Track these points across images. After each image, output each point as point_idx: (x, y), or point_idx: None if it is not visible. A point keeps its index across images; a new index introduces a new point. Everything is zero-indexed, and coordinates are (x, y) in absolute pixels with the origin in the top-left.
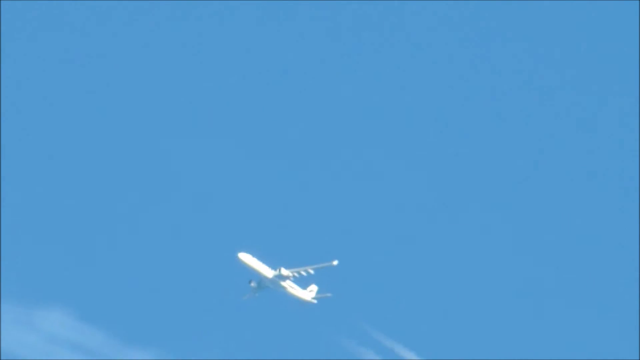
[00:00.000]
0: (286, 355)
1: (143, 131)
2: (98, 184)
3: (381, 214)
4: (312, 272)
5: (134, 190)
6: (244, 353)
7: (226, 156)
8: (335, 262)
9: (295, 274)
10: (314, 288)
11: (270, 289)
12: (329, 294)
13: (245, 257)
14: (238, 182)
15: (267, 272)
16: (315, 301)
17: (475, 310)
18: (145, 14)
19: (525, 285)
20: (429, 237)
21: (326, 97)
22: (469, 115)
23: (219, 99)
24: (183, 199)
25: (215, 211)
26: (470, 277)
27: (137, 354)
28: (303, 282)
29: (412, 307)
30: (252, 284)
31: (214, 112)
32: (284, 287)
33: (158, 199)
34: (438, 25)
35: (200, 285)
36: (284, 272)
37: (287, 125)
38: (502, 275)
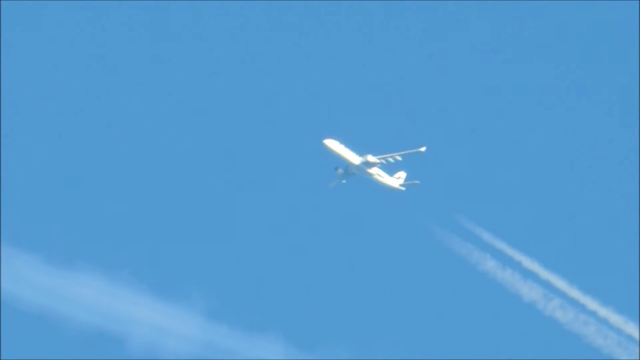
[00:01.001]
0: (374, 242)
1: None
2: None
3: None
4: (399, 158)
5: None
6: (332, 239)
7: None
8: (423, 149)
9: (383, 161)
10: (402, 175)
11: (357, 175)
12: (417, 181)
13: (331, 144)
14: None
15: (354, 158)
16: (403, 188)
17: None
18: (145, 14)
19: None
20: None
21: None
22: (468, 115)
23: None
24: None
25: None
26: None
27: None
28: (391, 169)
29: (503, 197)
30: (339, 171)
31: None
32: (370, 174)
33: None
34: (438, 25)
35: (287, 172)
36: (371, 158)
37: None
38: None
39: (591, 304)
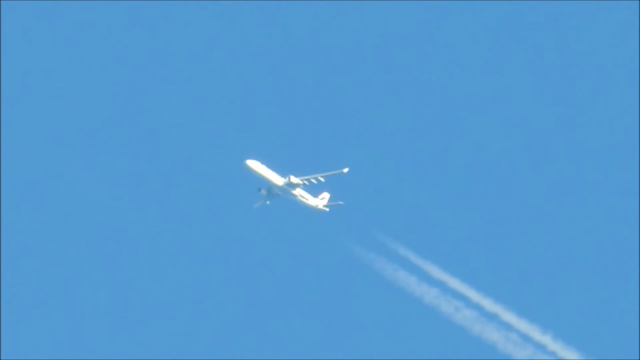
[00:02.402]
0: (299, 263)
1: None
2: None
3: (391, 122)
4: (322, 179)
5: None
6: (257, 260)
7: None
8: (345, 170)
9: (306, 182)
10: (325, 196)
11: (280, 196)
12: (340, 202)
13: (254, 164)
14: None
15: (277, 179)
16: (327, 209)
17: (487, 219)
18: (146, 14)
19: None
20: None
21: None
22: (467, 115)
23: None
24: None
25: (223, 118)
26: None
27: None
28: (314, 190)
29: (425, 215)
30: (262, 192)
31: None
32: (294, 195)
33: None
34: (438, 25)
35: (209, 192)
36: (294, 179)
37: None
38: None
39: (508, 316)
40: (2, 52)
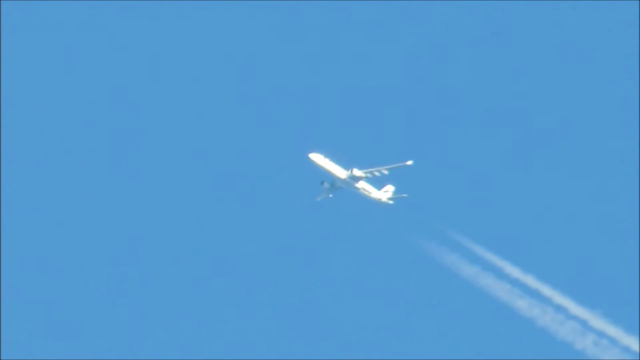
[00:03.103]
0: (363, 256)
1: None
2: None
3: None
4: (386, 172)
5: None
6: (321, 254)
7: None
8: (409, 162)
9: (369, 175)
10: (389, 188)
11: (343, 189)
12: (405, 195)
13: (317, 158)
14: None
15: (340, 172)
16: (391, 202)
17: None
18: (146, 14)
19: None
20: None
21: None
22: (467, 115)
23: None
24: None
25: (287, 112)
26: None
27: None
28: (378, 183)
29: (490, 208)
30: (325, 185)
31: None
32: (357, 188)
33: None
34: (438, 25)
35: (274, 186)
36: (357, 172)
37: None
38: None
39: (586, 314)
40: (2, 52)
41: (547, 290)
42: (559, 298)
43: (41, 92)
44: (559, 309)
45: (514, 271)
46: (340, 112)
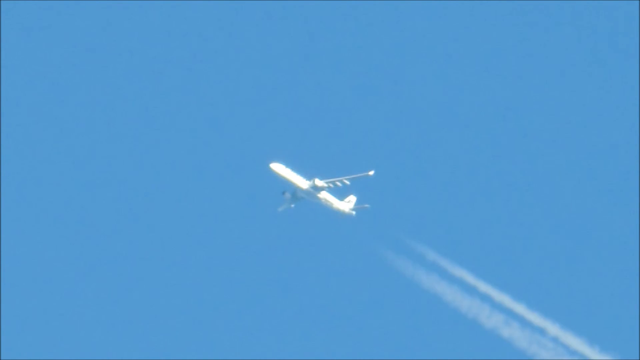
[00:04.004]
0: (325, 267)
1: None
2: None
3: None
4: (347, 182)
5: None
6: (282, 265)
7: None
8: (371, 172)
9: (331, 185)
10: (352, 199)
11: (305, 200)
12: (367, 205)
13: (278, 167)
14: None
15: (301, 182)
16: (353, 212)
17: (514, 222)
18: (146, 14)
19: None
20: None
21: None
22: (466, 115)
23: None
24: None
25: (247, 121)
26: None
27: None
28: (341, 193)
29: (451, 216)
30: (287, 195)
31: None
32: (319, 199)
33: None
34: (438, 25)
35: (233, 196)
36: (318, 182)
37: None
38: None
39: (538, 320)
40: (2, 52)
41: (509, 302)
42: (521, 308)
43: (41, 92)
44: (516, 316)
45: (477, 282)
46: (301, 122)
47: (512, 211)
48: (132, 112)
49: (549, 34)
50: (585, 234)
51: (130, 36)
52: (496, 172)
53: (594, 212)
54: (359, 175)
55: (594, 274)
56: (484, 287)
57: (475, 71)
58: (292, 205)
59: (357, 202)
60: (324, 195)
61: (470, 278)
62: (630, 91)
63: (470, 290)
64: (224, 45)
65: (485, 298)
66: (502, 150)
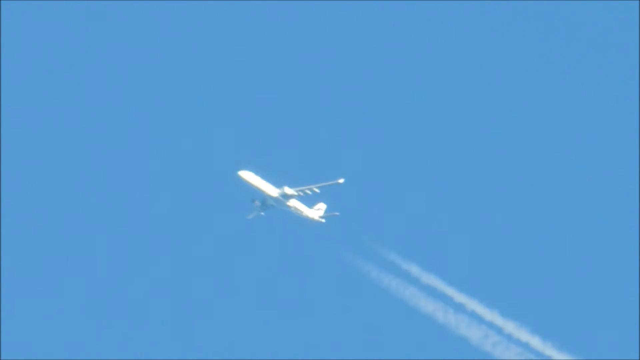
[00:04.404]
0: (294, 275)
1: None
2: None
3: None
4: (317, 190)
5: None
6: (252, 272)
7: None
8: (341, 180)
9: (300, 193)
10: (322, 207)
11: (275, 207)
12: (337, 213)
13: (247, 175)
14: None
15: (271, 190)
16: (323, 220)
17: (480, 234)
18: (145, 14)
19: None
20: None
21: None
22: (467, 115)
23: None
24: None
25: (215, 128)
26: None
27: None
28: (310, 202)
29: (422, 224)
30: (256, 203)
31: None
32: (289, 206)
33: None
34: (438, 25)
35: (202, 204)
36: (288, 190)
37: None
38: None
39: (496, 319)
40: (2, 52)
41: (482, 310)
42: (494, 316)
43: (41, 92)
44: (492, 325)
45: (446, 288)
46: (272, 129)
47: (483, 216)
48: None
49: (549, 34)
50: (572, 235)
51: (130, 36)
52: (468, 176)
53: (594, 212)
54: (328, 183)
55: (573, 273)
56: (453, 294)
57: (469, 72)
58: (262, 213)
59: (327, 210)
60: (294, 203)
61: (440, 284)
62: (630, 91)
63: (441, 297)
64: (192, 50)
65: (454, 304)
66: (476, 153)
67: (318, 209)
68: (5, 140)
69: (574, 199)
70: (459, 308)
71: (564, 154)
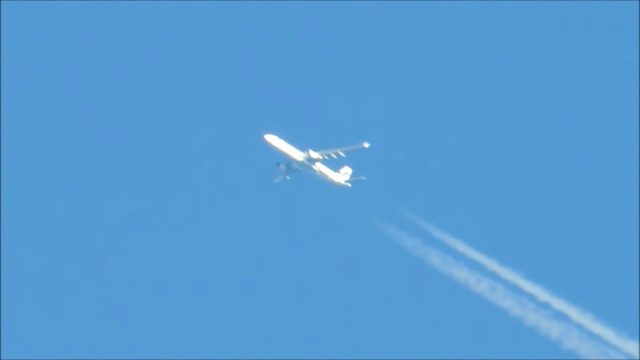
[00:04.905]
0: (321, 239)
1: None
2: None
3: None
4: (342, 154)
5: None
6: (278, 237)
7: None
8: (366, 144)
9: (325, 156)
10: (348, 171)
11: (300, 172)
12: (363, 178)
13: (272, 139)
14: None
15: (296, 154)
16: (349, 184)
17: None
18: (145, 14)
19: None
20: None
21: None
22: (466, 115)
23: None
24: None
25: (241, 93)
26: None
27: None
28: (336, 165)
29: (448, 190)
30: (281, 167)
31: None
32: (314, 170)
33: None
34: (438, 25)
35: (229, 168)
36: (313, 154)
37: None
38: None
39: (535, 290)
40: (2, 52)
41: (509, 275)
42: (527, 284)
43: (41, 92)
44: (531, 297)
45: (478, 256)
46: (297, 93)
47: (509, 183)
48: (131, 110)
49: (549, 34)
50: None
51: (130, 36)
52: (495, 144)
53: (594, 212)
54: (353, 147)
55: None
56: (479, 257)
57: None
58: (288, 177)
59: (353, 175)
60: (319, 166)
61: (466, 248)
62: (630, 91)
63: (467, 262)
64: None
65: (481, 269)
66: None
67: (344, 174)
68: (5, 140)
69: (574, 199)
70: (482, 270)
71: (564, 154)
